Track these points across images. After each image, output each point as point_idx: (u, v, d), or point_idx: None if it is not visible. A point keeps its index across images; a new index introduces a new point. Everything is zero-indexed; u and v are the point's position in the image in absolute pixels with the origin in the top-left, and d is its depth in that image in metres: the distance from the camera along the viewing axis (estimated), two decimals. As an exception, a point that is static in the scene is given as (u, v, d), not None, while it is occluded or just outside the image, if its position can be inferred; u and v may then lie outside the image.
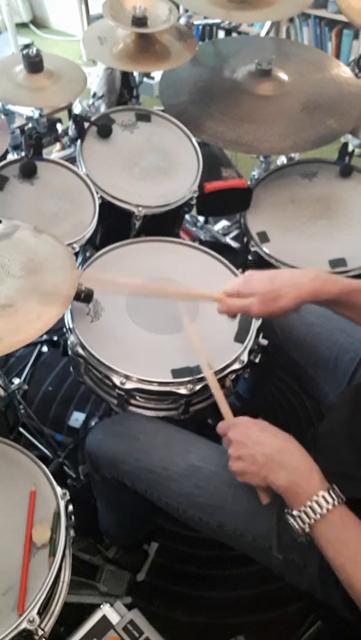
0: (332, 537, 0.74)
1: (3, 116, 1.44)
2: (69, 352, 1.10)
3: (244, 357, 1.06)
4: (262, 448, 0.81)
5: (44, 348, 1.75)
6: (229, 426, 0.86)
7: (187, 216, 1.72)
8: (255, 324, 1.11)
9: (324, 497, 0.75)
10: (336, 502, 0.75)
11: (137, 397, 1.05)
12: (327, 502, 0.74)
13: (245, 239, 1.41)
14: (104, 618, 0.91)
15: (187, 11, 1.81)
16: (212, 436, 1.01)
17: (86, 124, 1.40)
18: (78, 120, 1.39)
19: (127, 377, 1.00)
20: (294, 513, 0.76)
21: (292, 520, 0.76)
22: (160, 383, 1.01)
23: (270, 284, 0.90)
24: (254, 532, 0.90)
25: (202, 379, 1.01)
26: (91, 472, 1.12)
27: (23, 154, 1.30)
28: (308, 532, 0.75)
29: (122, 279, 1.15)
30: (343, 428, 0.88)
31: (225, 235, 1.88)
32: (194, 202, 1.36)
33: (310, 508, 0.75)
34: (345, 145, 1.51)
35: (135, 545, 1.39)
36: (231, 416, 0.89)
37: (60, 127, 1.88)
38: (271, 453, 0.80)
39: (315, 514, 0.74)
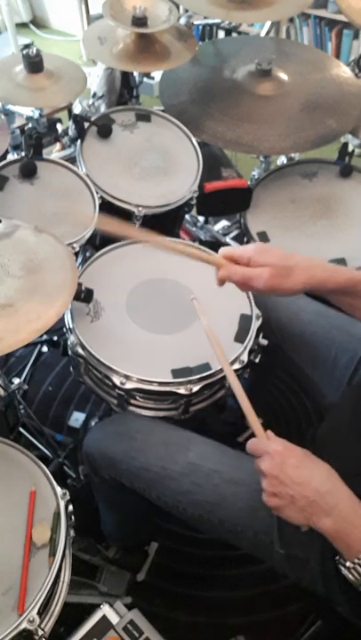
0: None
1: (3, 116, 1.44)
2: (69, 352, 1.10)
3: (244, 357, 1.06)
4: (303, 490, 0.73)
5: (44, 348, 1.75)
6: (262, 452, 0.78)
7: (187, 216, 1.72)
8: (255, 324, 1.11)
9: None
10: None
11: (137, 397, 1.05)
12: None
13: (245, 239, 1.41)
14: (104, 618, 0.91)
15: (187, 11, 1.81)
16: (211, 436, 1.01)
17: (86, 124, 1.40)
18: (78, 120, 1.39)
19: (127, 377, 1.00)
20: (348, 565, 0.70)
21: (345, 571, 0.71)
22: (160, 383, 1.01)
23: (286, 260, 0.85)
24: (255, 527, 0.90)
25: (202, 379, 1.01)
26: (89, 473, 1.12)
27: (23, 154, 1.30)
28: None
29: (132, 231, 1.09)
30: (345, 428, 0.88)
31: (225, 235, 1.88)
32: (194, 202, 1.36)
33: None
34: (345, 145, 1.51)
35: (136, 546, 1.39)
36: (262, 432, 0.80)
37: (60, 127, 1.87)
38: (314, 498, 0.72)
39: None
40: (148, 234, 0.98)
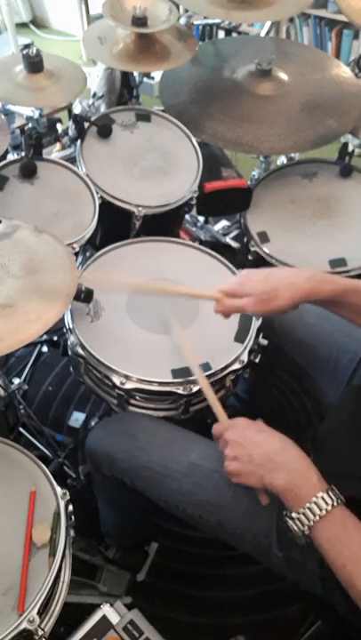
0: (332, 538, 0.74)
1: (3, 116, 1.44)
2: (69, 352, 1.10)
3: (244, 357, 1.06)
4: (260, 448, 0.81)
5: (44, 348, 1.75)
6: (226, 427, 0.86)
7: (187, 216, 1.72)
8: (255, 323, 1.11)
9: (323, 498, 0.74)
10: (335, 503, 0.74)
11: (137, 397, 1.05)
12: (326, 503, 0.74)
13: (245, 239, 1.41)
14: (104, 618, 0.91)
15: (187, 11, 1.81)
16: (211, 436, 1.01)
17: (86, 124, 1.40)
18: (78, 120, 1.39)
19: (127, 377, 1.01)
20: (293, 515, 0.75)
21: (291, 522, 0.76)
22: (160, 383, 1.01)
23: (265, 284, 0.90)
24: (254, 530, 0.90)
25: (202, 379, 1.01)
26: (91, 470, 1.12)
27: (23, 154, 1.30)
28: (308, 533, 0.75)
29: (121, 278, 1.15)
30: (344, 428, 0.88)
31: (225, 235, 1.88)
32: (194, 202, 1.36)
33: (309, 509, 0.74)
34: (345, 145, 1.51)
35: (135, 546, 1.39)
36: (225, 418, 0.89)
37: (60, 127, 1.88)
38: (269, 454, 0.80)
39: (314, 515, 0.74)
40: (145, 283, 1.09)
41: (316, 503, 0.74)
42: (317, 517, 0.74)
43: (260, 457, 0.80)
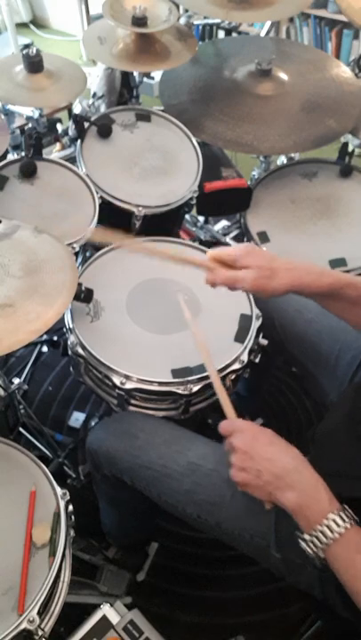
0: (346, 562, 0.71)
1: (3, 116, 1.44)
2: (69, 352, 1.10)
3: (244, 357, 1.06)
4: (270, 465, 0.76)
5: (44, 348, 1.75)
6: (233, 429, 0.81)
7: (187, 216, 1.72)
8: (255, 323, 1.11)
9: (335, 520, 0.71)
10: (349, 524, 0.71)
11: (137, 397, 1.05)
12: (338, 525, 0.71)
13: (245, 239, 1.41)
14: (104, 618, 0.91)
15: (187, 11, 1.81)
16: (211, 435, 1.01)
17: (86, 124, 1.40)
18: (78, 120, 1.39)
19: (127, 377, 1.01)
20: (306, 537, 0.72)
21: (304, 545, 0.73)
22: (160, 383, 1.01)
23: (269, 262, 0.88)
24: (252, 530, 0.90)
25: (202, 379, 1.01)
26: (91, 470, 1.12)
27: (23, 154, 1.30)
28: (323, 556, 0.72)
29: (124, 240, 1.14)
30: (344, 428, 0.88)
31: (225, 235, 1.88)
32: (194, 202, 1.36)
33: (321, 532, 0.71)
34: (345, 145, 1.51)
35: (136, 545, 1.39)
36: (234, 415, 0.85)
37: (60, 127, 1.87)
38: (279, 473, 0.76)
39: (327, 538, 0.70)
40: (137, 240, 1.00)
41: (328, 526, 0.71)
42: (330, 540, 0.70)
43: (270, 474, 0.76)
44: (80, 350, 1.05)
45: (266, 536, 0.88)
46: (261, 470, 0.76)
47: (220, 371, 1.03)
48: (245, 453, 0.78)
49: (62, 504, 0.88)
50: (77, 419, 1.65)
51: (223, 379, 1.04)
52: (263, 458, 0.77)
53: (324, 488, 0.74)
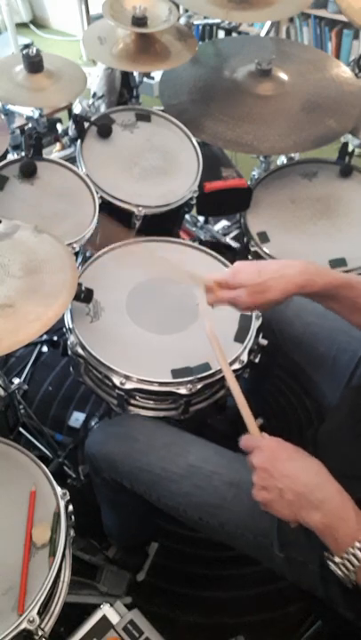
0: None
1: (3, 116, 1.44)
2: (69, 352, 1.10)
3: (244, 357, 1.06)
4: (292, 484, 0.73)
5: (44, 348, 1.75)
6: (254, 447, 0.78)
7: (187, 216, 1.72)
8: (255, 323, 1.11)
9: None
10: None
11: (137, 397, 1.05)
12: None
13: (245, 239, 1.41)
14: (104, 618, 0.91)
15: (187, 11, 1.81)
16: (211, 435, 1.01)
17: (86, 124, 1.40)
18: (78, 120, 1.39)
19: (127, 377, 1.01)
20: (336, 560, 0.69)
21: (334, 567, 0.70)
22: (160, 383, 1.01)
23: (258, 276, 0.88)
24: (255, 530, 0.90)
25: (202, 379, 1.01)
26: (91, 474, 1.12)
27: (23, 154, 1.30)
28: (355, 579, 0.69)
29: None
30: (345, 429, 0.88)
31: (225, 235, 1.88)
32: (194, 202, 1.36)
33: (353, 555, 0.68)
34: (345, 145, 1.51)
35: (136, 546, 1.39)
36: (256, 430, 0.80)
37: (60, 127, 1.87)
38: (303, 491, 0.72)
39: (359, 561, 0.67)
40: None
41: (359, 549, 0.68)
42: None
43: (293, 494, 0.72)
44: (80, 350, 1.05)
45: (269, 535, 0.88)
46: (283, 489, 0.73)
47: (220, 371, 1.03)
48: (266, 471, 0.75)
49: (62, 504, 0.88)
50: (77, 419, 1.65)
51: (223, 379, 1.04)
52: (283, 475, 0.73)
53: (351, 506, 0.71)
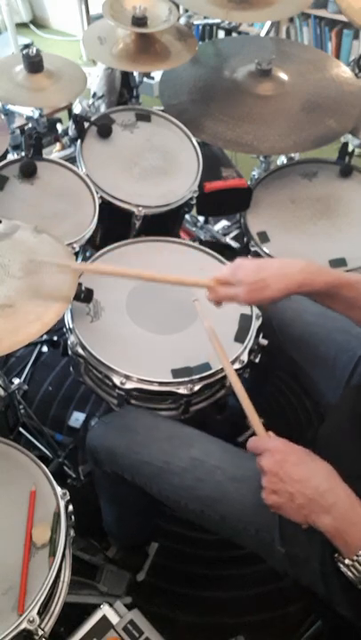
0: None
1: (3, 116, 1.44)
2: (69, 352, 1.10)
3: (244, 357, 1.06)
4: (302, 487, 0.73)
5: (44, 348, 1.75)
6: (262, 450, 0.78)
7: (187, 216, 1.72)
8: (255, 323, 1.11)
9: None
10: None
11: (137, 397, 1.05)
12: None
13: (245, 239, 1.41)
14: (104, 618, 0.91)
15: (187, 11, 1.81)
16: (212, 432, 1.01)
17: (86, 124, 1.40)
18: (78, 120, 1.39)
19: (127, 377, 1.01)
20: (347, 562, 0.70)
21: (344, 568, 0.70)
22: (160, 383, 1.01)
23: (257, 273, 0.89)
24: (257, 525, 0.90)
25: (202, 378, 1.01)
26: (92, 467, 1.12)
27: (23, 154, 1.30)
28: None
29: (110, 268, 1.16)
30: (345, 429, 0.88)
31: (225, 235, 1.88)
32: (194, 202, 1.36)
33: None
34: (345, 145, 1.51)
35: (136, 546, 1.39)
36: (262, 430, 0.81)
37: (60, 127, 1.88)
38: (313, 496, 0.72)
39: None
40: (141, 270, 1.04)
41: None
42: None
43: (302, 497, 0.72)
44: (80, 350, 1.05)
45: (271, 530, 0.88)
46: (293, 493, 0.73)
47: (220, 371, 1.03)
48: (275, 475, 0.75)
49: (62, 504, 0.88)
50: (77, 419, 1.65)
51: (223, 379, 1.04)
52: (293, 479, 0.73)
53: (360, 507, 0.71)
